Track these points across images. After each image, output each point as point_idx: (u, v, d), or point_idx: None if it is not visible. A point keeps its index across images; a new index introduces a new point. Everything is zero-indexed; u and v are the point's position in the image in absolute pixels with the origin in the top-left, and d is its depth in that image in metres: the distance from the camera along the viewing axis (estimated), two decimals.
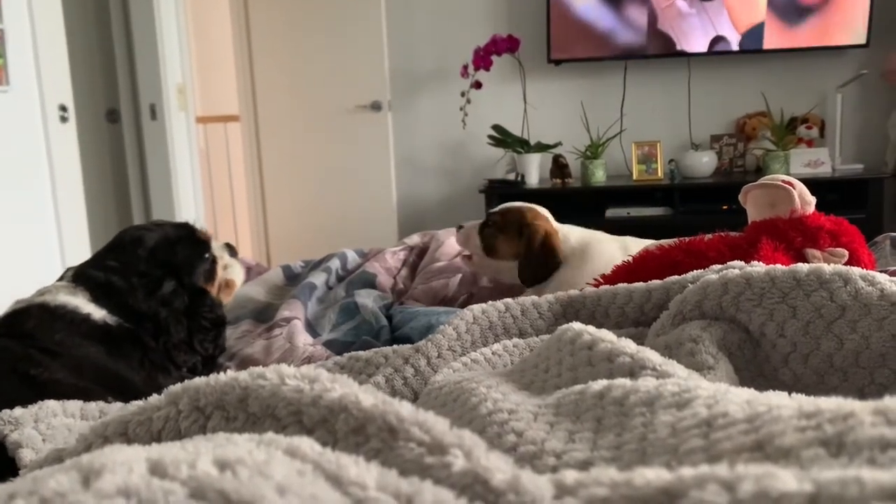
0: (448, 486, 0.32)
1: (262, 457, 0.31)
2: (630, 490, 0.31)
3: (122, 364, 1.05)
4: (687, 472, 0.31)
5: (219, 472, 0.30)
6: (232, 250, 1.42)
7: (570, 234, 1.65)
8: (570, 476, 0.33)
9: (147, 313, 1.14)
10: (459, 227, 1.75)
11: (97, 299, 1.12)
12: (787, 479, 0.29)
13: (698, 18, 3.68)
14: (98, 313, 1.10)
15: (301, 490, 0.29)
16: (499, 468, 0.33)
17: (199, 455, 0.31)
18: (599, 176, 3.71)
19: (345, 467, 0.31)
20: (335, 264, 1.85)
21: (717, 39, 3.69)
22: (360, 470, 0.31)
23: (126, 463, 0.30)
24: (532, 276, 1.62)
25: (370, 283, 1.72)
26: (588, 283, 1.31)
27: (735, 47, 3.68)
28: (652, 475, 0.31)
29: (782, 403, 0.43)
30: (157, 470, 0.30)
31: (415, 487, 0.30)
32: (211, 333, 1.23)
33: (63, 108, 3.02)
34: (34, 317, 1.04)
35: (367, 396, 0.40)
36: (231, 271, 1.38)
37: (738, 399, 0.49)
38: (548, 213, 1.71)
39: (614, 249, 1.60)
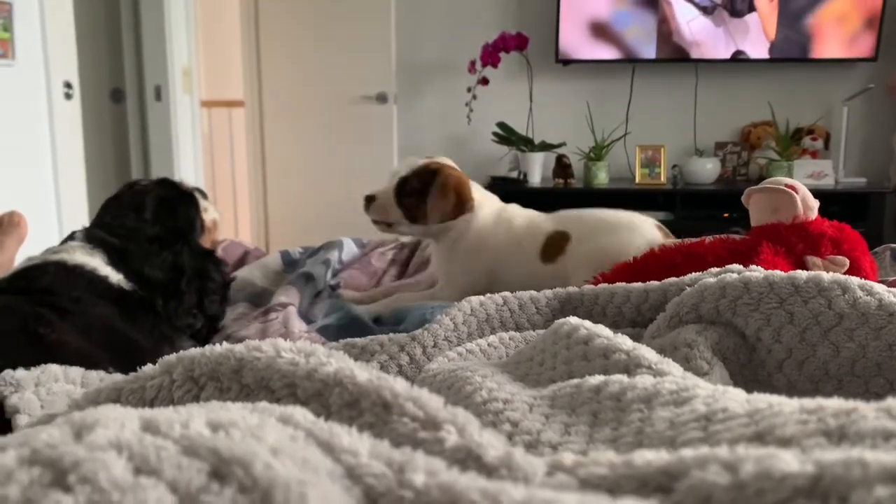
0: (441, 460, 0.32)
1: (255, 421, 0.31)
2: (629, 470, 0.30)
3: (133, 329, 1.04)
4: (687, 452, 0.31)
5: (211, 433, 0.30)
6: (203, 194, 1.43)
7: (486, 202, 1.63)
8: (568, 457, 0.33)
9: (162, 281, 1.14)
10: (369, 199, 1.63)
11: (114, 263, 1.11)
12: (789, 460, 0.28)
13: (721, 32, 3.68)
14: (115, 276, 1.09)
15: (293, 453, 0.29)
16: (492, 444, 0.33)
17: (191, 417, 0.31)
18: (602, 178, 3.70)
19: (337, 436, 0.31)
20: (334, 256, 1.85)
21: (737, 53, 3.69)
22: (353, 439, 0.31)
23: (118, 419, 0.30)
24: (439, 214, 1.57)
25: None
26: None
27: (754, 56, 3.68)
28: (651, 455, 0.31)
29: (783, 401, 0.43)
30: (149, 427, 0.30)
31: (407, 457, 0.30)
32: (219, 294, 1.24)
33: (68, 85, 3.02)
34: (50, 273, 1.03)
35: (362, 372, 0.40)
36: (211, 212, 1.40)
37: (738, 398, 0.49)
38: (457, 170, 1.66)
39: (522, 229, 1.59)
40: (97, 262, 1.09)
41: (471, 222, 1.60)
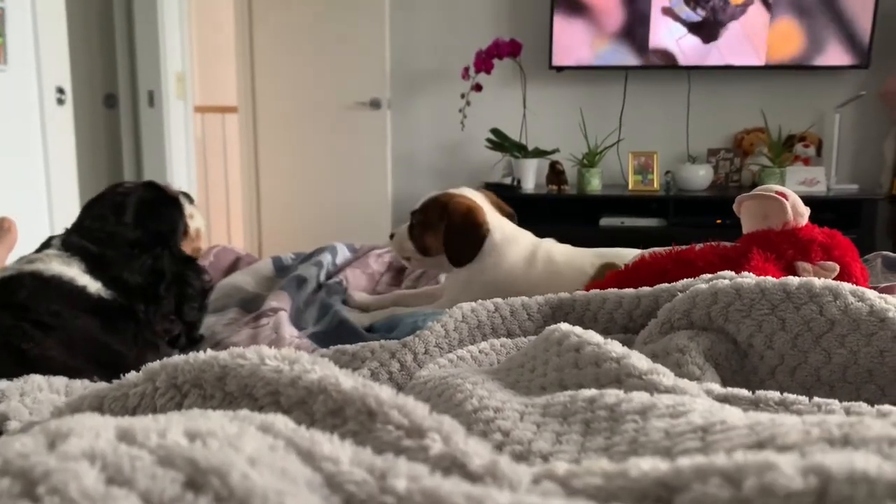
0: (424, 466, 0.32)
1: (234, 430, 0.31)
2: (625, 481, 0.30)
3: (116, 340, 1.02)
4: (685, 462, 0.30)
5: (188, 442, 0.29)
6: (189, 198, 1.41)
7: (519, 238, 1.56)
8: (560, 467, 0.32)
9: (141, 285, 1.12)
10: (392, 236, 1.66)
11: (91, 271, 1.08)
12: (792, 474, 0.28)
13: (710, 47, 3.70)
14: (93, 286, 1.07)
15: (272, 463, 0.28)
16: (477, 452, 0.33)
17: (169, 426, 0.30)
18: (595, 184, 3.71)
19: (318, 443, 0.31)
20: (327, 259, 1.84)
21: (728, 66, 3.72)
22: (334, 447, 0.31)
23: (94, 428, 0.29)
24: (458, 253, 1.52)
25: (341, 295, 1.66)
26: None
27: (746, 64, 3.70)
28: (647, 466, 0.30)
29: (785, 416, 0.43)
30: (125, 437, 0.29)
31: (389, 463, 0.29)
32: (198, 301, 1.23)
33: (60, 91, 3.00)
34: (26, 286, 1.00)
35: (347, 379, 0.40)
36: (196, 219, 1.38)
37: (737, 413, 0.48)
38: (475, 194, 1.60)
39: (564, 262, 1.53)
40: (75, 272, 1.06)
41: (502, 257, 1.53)
